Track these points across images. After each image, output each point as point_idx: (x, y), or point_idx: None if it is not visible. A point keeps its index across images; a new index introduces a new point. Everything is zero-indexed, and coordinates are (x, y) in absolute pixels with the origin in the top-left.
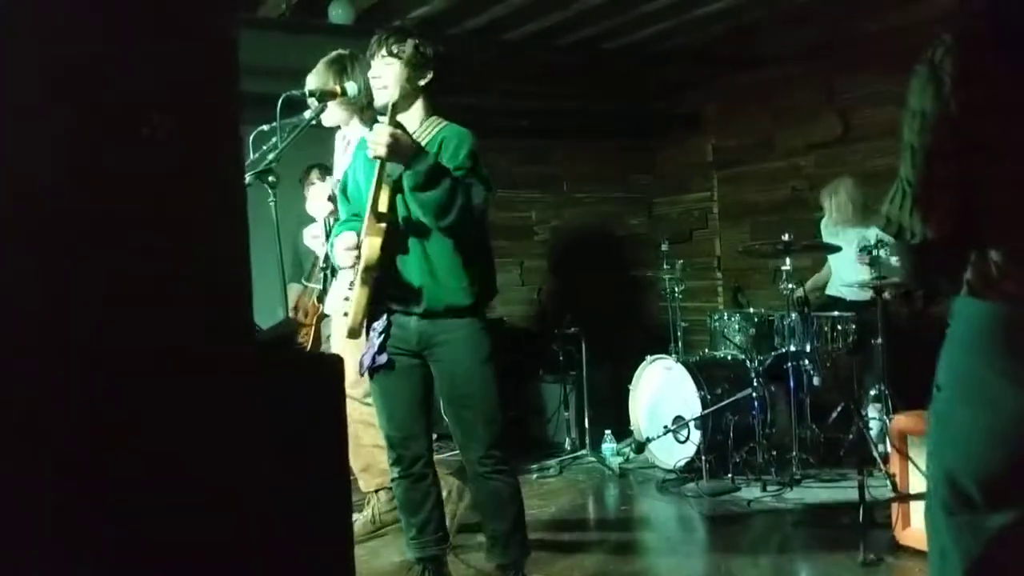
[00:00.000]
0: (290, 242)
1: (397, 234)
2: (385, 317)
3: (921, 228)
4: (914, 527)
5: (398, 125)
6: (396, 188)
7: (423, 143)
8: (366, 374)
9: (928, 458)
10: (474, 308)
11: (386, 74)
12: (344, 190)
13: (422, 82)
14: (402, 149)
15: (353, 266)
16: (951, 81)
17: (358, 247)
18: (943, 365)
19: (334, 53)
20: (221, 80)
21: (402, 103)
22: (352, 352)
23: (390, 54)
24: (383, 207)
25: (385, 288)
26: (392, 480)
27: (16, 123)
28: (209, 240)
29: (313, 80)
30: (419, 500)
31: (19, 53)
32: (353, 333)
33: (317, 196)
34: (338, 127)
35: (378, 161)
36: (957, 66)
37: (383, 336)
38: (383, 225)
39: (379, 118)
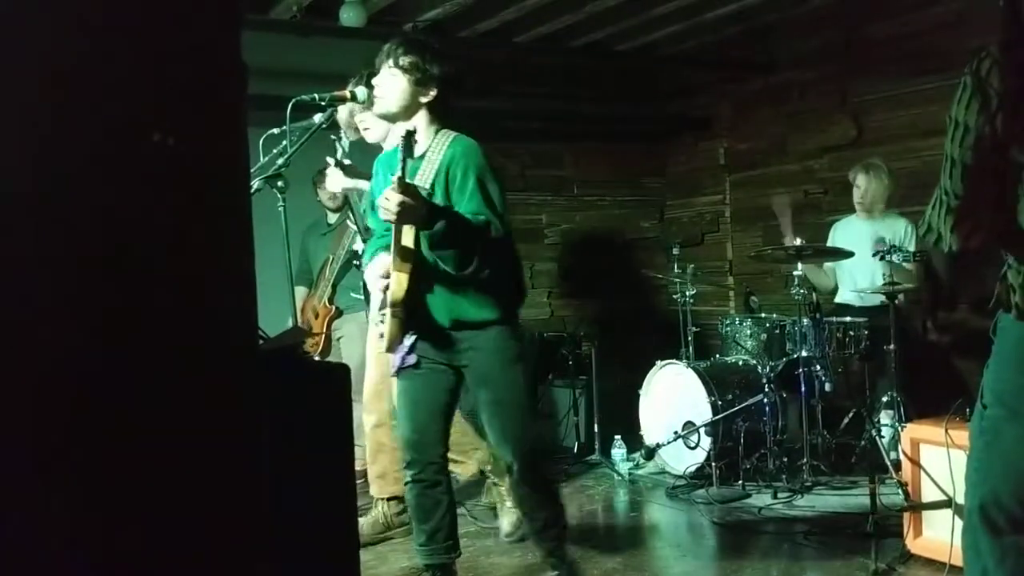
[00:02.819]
0: (297, 246)
1: (423, 265)
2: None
3: (956, 240)
4: (926, 536)
5: (407, 188)
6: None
7: (435, 164)
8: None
9: (971, 475)
10: (502, 318)
11: (387, 84)
12: (373, 205)
13: (424, 99)
14: (413, 215)
15: (386, 291)
16: (997, 98)
17: (388, 276)
18: (989, 383)
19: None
20: (229, 84)
21: (402, 115)
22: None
23: (395, 65)
24: (408, 242)
25: (412, 314)
26: (404, 484)
27: (22, 125)
28: (213, 247)
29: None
30: (430, 507)
31: (26, 55)
32: (391, 349)
33: (331, 173)
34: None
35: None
36: (1004, 83)
37: (415, 338)
38: (409, 264)
39: (390, 177)
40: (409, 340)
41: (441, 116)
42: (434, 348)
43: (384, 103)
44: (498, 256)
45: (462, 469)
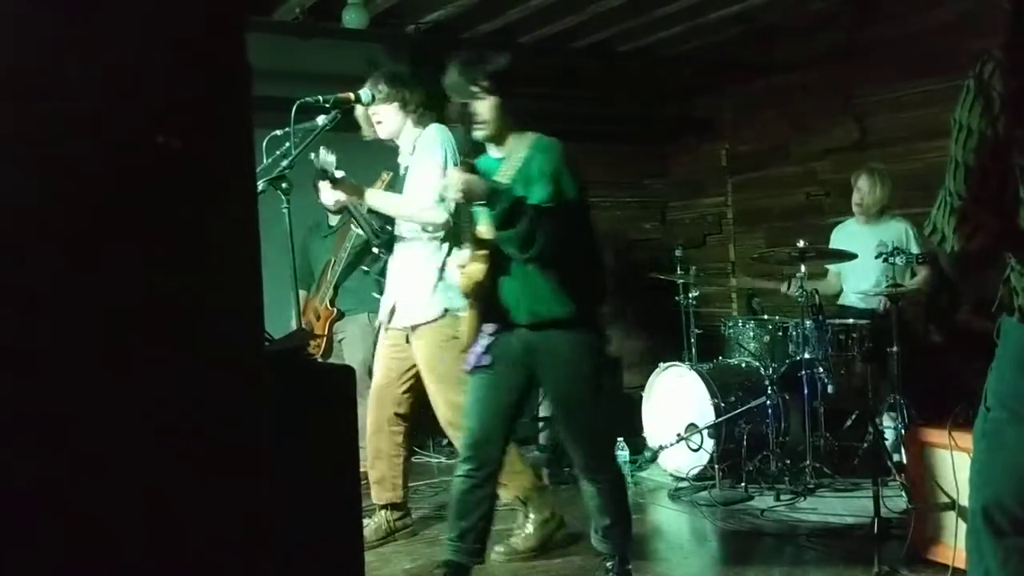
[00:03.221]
0: (298, 248)
1: (500, 255)
2: (495, 325)
3: (959, 241)
4: (929, 539)
5: (469, 168)
6: None
7: (518, 160)
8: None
9: (974, 478)
10: (576, 319)
11: (483, 110)
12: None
13: (506, 110)
14: (476, 194)
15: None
16: (1000, 100)
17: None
18: (992, 386)
19: (386, 69)
20: (234, 86)
21: (500, 135)
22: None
23: (483, 89)
24: (484, 234)
25: (488, 306)
26: (456, 476)
27: (25, 126)
28: (220, 249)
29: (369, 88)
30: (471, 505)
31: (30, 57)
32: (467, 345)
33: (323, 186)
34: (353, 134)
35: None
36: (1006, 85)
37: (492, 339)
38: (485, 252)
39: (459, 161)
40: (485, 340)
41: (514, 116)
42: (510, 347)
43: (486, 128)
44: (571, 248)
45: (505, 493)
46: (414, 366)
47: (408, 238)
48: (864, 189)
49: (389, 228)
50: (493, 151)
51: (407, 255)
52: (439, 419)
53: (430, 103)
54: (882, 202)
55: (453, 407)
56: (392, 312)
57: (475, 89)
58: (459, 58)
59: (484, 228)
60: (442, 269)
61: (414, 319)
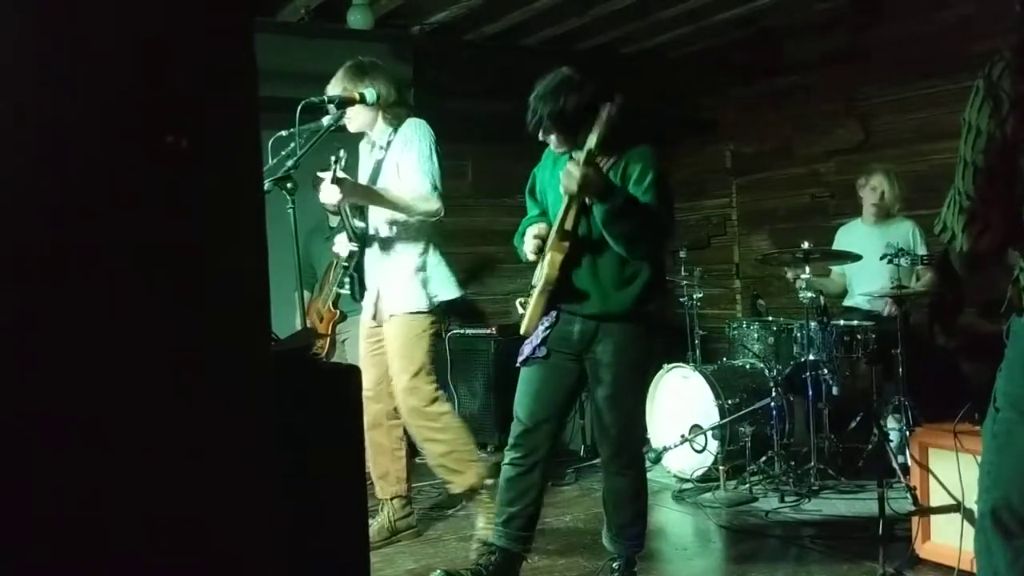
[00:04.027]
0: (300, 250)
1: (576, 248)
2: (554, 314)
3: (968, 240)
4: (934, 541)
5: (592, 163)
6: (582, 208)
7: (612, 160)
8: (520, 361)
9: (983, 479)
10: (636, 314)
11: (553, 141)
12: (531, 191)
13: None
14: (593, 188)
15: (536, 260)
16: (1009, 101)
17: (541, 251)
18: (1001, 387)
19: (355, 60)
20: (240, 87)
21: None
22: (363, 360)
23: (556, 129)
24: (569, 225)
25: (559, 294)
26: (504, 464)
27: (33, 128)
28: (227, 249)
29: (333, 88)
30: (519, 492)
31: (37, 59)
32: (527, 332)
33: (323, 185)
34: (362, 133)
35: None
36: (1015, 86)
37: (548, 331)
38: (566, 243)
39: (573, 154)
40: (543, 331)
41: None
42: (566, 339)
43: (594, 136)
44: (657, 253)
45: (458, 480)
46: None
47: (385, 235)
48: (879, 187)
49: (362, 225)
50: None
51: (388, 251)
52: (403, 410)
53: (398, 97)
54: (899, 201)
55: (422, 395)
56: (376, 308)
57: (548, 132)
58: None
59: (571, 220)
60: (424, 262)
61: (394, 309)
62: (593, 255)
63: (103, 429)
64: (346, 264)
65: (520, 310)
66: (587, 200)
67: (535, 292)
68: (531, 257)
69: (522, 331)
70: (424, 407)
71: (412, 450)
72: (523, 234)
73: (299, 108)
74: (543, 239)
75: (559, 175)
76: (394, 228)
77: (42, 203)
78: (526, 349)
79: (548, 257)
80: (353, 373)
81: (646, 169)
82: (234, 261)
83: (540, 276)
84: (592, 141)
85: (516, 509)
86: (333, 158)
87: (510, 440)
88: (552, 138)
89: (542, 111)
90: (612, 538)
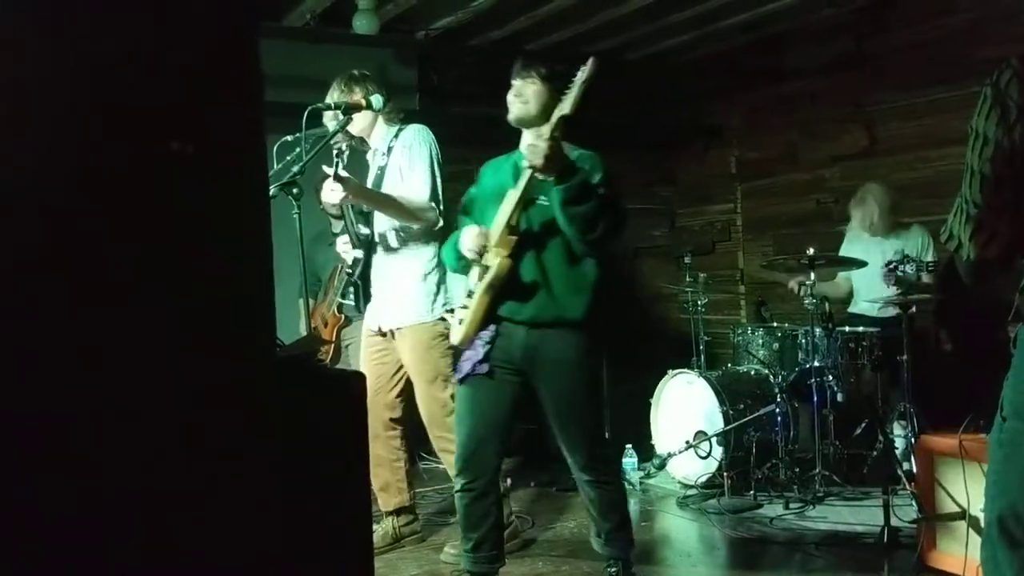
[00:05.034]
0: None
1: (520, 248)
2: (493, 328)
3: (975, 249)
4: (940, 549)
5: (557, 139)
6: (526, 204)
7: None
8: (459, 378)
9: (990, 488)
10: (583, 323)
11: (528, 92)
12: (467, 210)
13: (556, 110)
14: (558, 162)
15: (477, 262)
16: (1016, 109)
17: (483, 251)
18: (1008, 395)
19: (346, 72)
20: (246, 92)
21: (538, 119)
22: (366, 364)
23: (537, 74)
24: (515, 222)
25: (501, 298)
26: (455, 491)
27: (41, 132)
28: (232, 253)
29: (330, 98)
30: (478, 517)
31: (46, 64)
32: (464, 342)
33: (325, 183)
34: (361, 138)
35: (522, 177)
36: (1023, 94)
37: (489, 346)
38: (514, 238)
39: (527, 131)
40: (484, 348)
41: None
42: (509, 354)
43: (525, 107)
44: (610, 242)
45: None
46: (401, 368)
47: (392, 241)
48: (870, 217)
49: (367, 231)
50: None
51: (394, 259)
52: (423, 417)
53: (396, 102)
54: (881, 211)
55: (439, 404)
56: (379, 319)
57: (528, 72)
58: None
59: (515, 216)
60: (438, 272)
61: (401, 321)
62: (540, 256)
63: (105, 432)
64: (350, 271)
65: (453, 321)
66: (544, 177)
67: (477, 294)
68: (469, 255)
69: (458, 341)
70: (441, 416)
71: (411, 457)
72: (454, 244)
73: (305, 113)
74: (482, 249)
75: (502, 181)
76: (401, 234)
77: (47, 208)
78: (465, 366)
79: (494, 253)
80: (358, 379)
81: (596, 168)
82: (239, 266)
83: (486, 275)
84: (567, 106)
85: (481, 534)
86: (336, 152)
87: (456, 465)
88: (531, 91)
89: (533, 61)
90: (603, 543)
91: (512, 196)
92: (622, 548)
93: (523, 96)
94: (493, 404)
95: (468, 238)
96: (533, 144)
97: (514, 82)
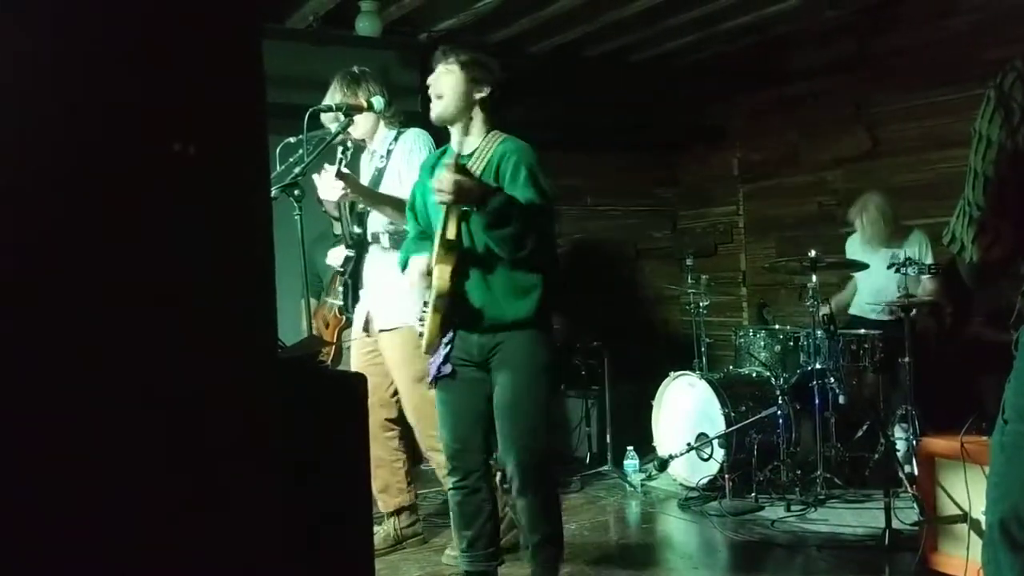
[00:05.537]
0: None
1: (463, 259)
2: (451, 335)
3: (978, 252)
4: (941, 551)
5: (462, 170)
6: (462, 216)
7: (484, 160)
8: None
9: (991, 491)
10: (533, 320)
11: (443, 83)
12: (412, 207)
13: (478, 95)
14: (468, 195)
15: (428, 288)
16: (1020, 112)
17: (430, 273)
18: (1010, 398)
19: (346, 70)
20: (248, 93)
21: (459, 115)
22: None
23: (454, 61)
24: (452, 235)
25: (453, 309)
26: (448, 490)
27: (44, 135)
28: (234, 255)
29: (331, 97)
30: (471, 513)
31: (46, 66)
32: (428, 349)
33: (325, 179)
34: (363, 140)
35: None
36: None
37: (449, 347)
38: (453, 253)
39: (452, 129)
40: (444, 349)
41: (492, 117)
42: (469, 352)
43: (441, 104)
44: (545, 251)
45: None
46: None
47: (384, 242)
48: (859, 224)
49: (359, 231)
50: (457, 144)
51: (386, 259)
52: (411, 419)
53: (397, 104)
54: (885, 220)
55: (430, 402)
56: (367, 319)
57: (445, 61)
58: (455, 41)
59: (452, 230)
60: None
61: (387, 322)
62: (482, 265)
63: (105, 432)
64: (341, 270)
65: (419, 328)
66: (465, 208)
67: (428, 308)
68: (413, 287)
69: (423, 350)
70: (428, 413)
71: (412, 457)
72: (405, 262)
73: (307, 115)
74: (429, 273)
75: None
76: (394, 236)
77: (47, 208)
78: (431, 369)
79: (437, 271)
80: (359, 380)
81: (519, 165)
82: (241, 267)
83: (432, 292)
84: (448, 109)
85: (474, 531)
86: (340, 149)
87: (447, 466)
88: (445, 83)
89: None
90: (530, 557)
91: (446, 211)
92: (549, 567)
93: (437, 90)
94: (466, 401)
95: (412, 273)
96: (439, 182)
97: (429, 79)
